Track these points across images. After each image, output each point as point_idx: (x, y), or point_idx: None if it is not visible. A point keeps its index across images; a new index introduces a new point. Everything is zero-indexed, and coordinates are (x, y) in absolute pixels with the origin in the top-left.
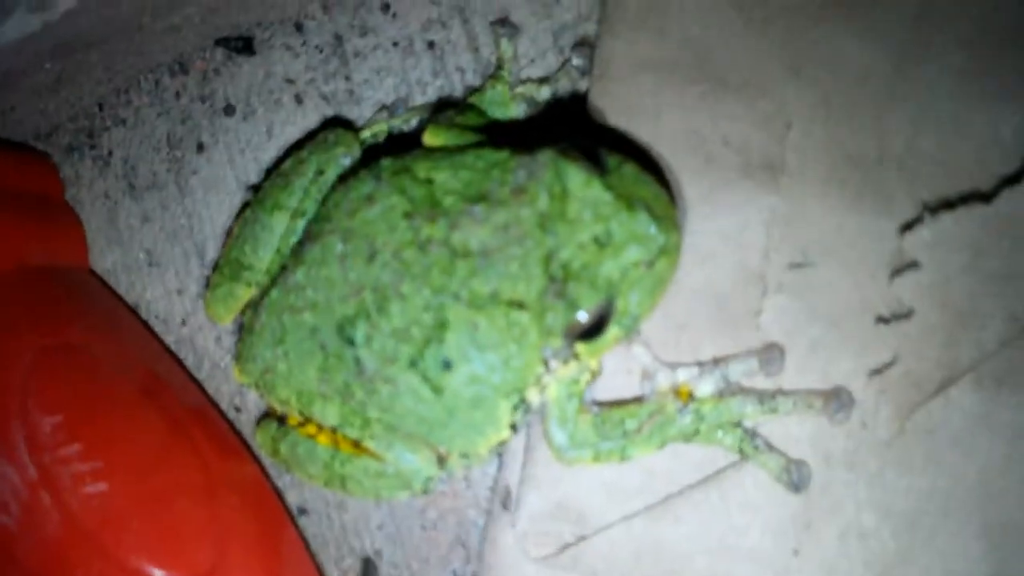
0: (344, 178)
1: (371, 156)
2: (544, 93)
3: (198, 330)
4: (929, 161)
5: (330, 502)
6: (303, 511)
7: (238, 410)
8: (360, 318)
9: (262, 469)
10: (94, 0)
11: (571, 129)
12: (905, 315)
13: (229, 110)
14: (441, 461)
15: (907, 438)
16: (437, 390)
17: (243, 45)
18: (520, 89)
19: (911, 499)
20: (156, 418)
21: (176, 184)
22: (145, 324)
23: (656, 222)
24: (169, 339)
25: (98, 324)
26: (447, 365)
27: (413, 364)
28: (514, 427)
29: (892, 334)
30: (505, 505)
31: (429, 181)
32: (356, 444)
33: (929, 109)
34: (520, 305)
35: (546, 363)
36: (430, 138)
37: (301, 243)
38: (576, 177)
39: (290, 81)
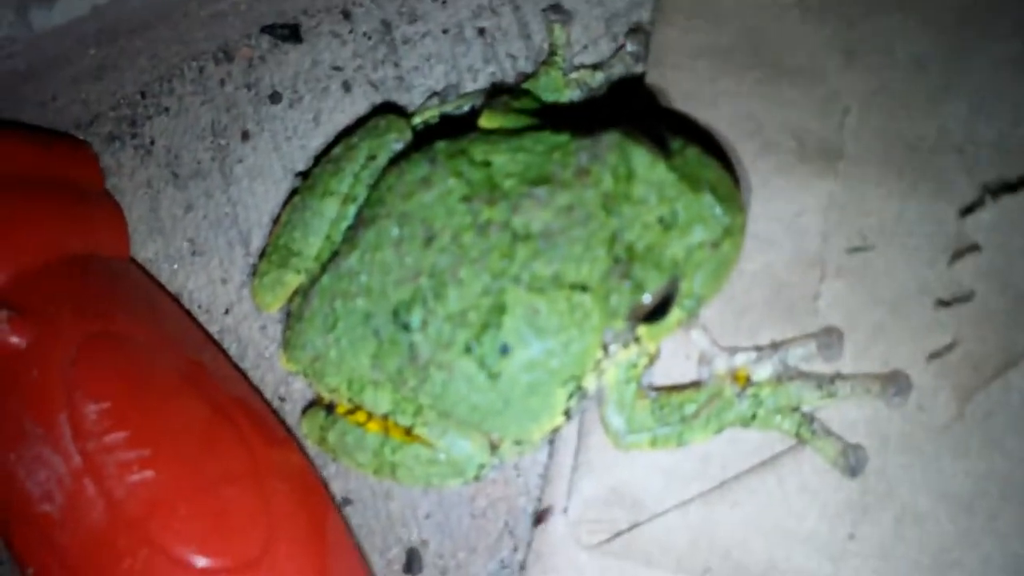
0: (395, 161)
1: (422, 142)
2: (598, 79)
3: (242, 319)
4: (988, 146)
5: (376, 491)
6: (348, 501)
7: (283, 400)
8: (416, 303)
9: (307, 459)
10: None
11: (629, 113)
12: (965, 298)
13: (275, 98)
14: (493, 448)
15: (965, 422)
16: (492, 376)
17: (289, 32)
18: (574, 75)
19: (968, 483)
20: (201, 406)
21: (220, 172)
22: (188, 313)
23: (721, 203)
24: (213, 328)
25: (141, 313)
26: (504, 350)
27: (469, 350)
28: (568, 413)
29: (952, 317)
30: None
31: (487, 164)
32: (408, 431)
33: (987, 95)
34: (583, 287)
35: (606, 347)
36: (486, 121)
37: (353, 228)
38: (641, 158)
39: (338, 68)
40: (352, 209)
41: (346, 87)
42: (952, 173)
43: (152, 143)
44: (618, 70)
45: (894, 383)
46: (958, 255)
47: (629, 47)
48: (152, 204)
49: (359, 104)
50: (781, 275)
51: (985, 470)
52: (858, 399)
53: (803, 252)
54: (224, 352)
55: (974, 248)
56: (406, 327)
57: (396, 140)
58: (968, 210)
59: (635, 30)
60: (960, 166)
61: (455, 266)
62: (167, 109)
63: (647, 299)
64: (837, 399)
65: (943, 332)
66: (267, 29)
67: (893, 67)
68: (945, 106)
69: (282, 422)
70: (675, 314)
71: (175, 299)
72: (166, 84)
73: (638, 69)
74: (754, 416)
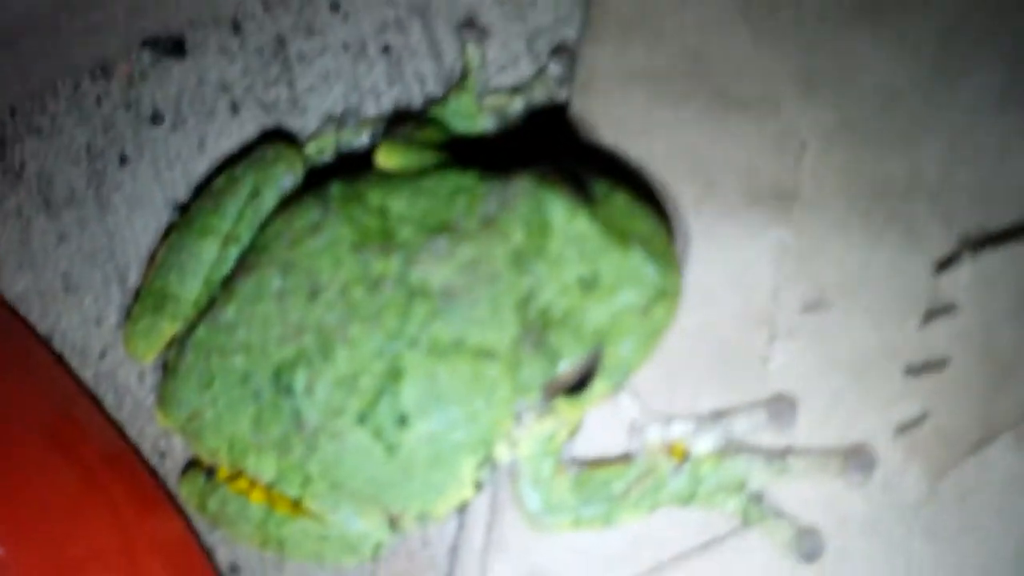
0: (287, 203)
1: (316, 175)
2: (516, 105)
3: (119, 364)
4: (967, 192)
5: (267, 560)
6: (235, 569)
7: (163, 455)
8: (300, 364)
9: (188, 523)
10: None
11: (550, 148)
12: (938, 365)
13: (156, 119)
14: (393, 523)
15: (937, 503)
16: (390, 448)
17: (173, 46)
18: (489, 100)
19: (940, 572)
20: (67, 471)
21: (96, 201)
22: (59, 358)
23: (653, 261)
24: (86, 374)
25: (4, 360)
26: (402, 421)
27: (362, 419)
28: (478, 485)
29: (922, 386)
30: None
31: (383, 210)
32: (295, 502)
33: (966, 133)
34: (489, 354)
35: (519, 418)
36: (384, 158)
37: (233, 275)
38: (559, 208)
39: (225, 87)
40: (234, 251)
41: (234, 108)
42: (926, 222)
43: (22, 167)
44: (539, 95)
45: (856, 459)
46: (931, 316)
47: (552, 69)
48: (22, 235)
49: (248, 128)
50: (725, 334)
51: (959, 559)
52: (814, 477)
53: (751, 309)
54: (98, 402)
55: (950, 309)
56: (288, 390)
57: (285, 173)
58: (944, 265)
59: (560, 49)
60: (934, 214)
61: (344, 324)
62: (39, 130)
63: (564, 372)
64: (790, 476)
65: (912, 402)
66: (149, 43)
67: (859, 99)
68: (918, 145)
69: (161, 482)
70: (598, 386)
71: (45, 342)
72: (38, 102)
73: (562, 94)
74: (693, 495)
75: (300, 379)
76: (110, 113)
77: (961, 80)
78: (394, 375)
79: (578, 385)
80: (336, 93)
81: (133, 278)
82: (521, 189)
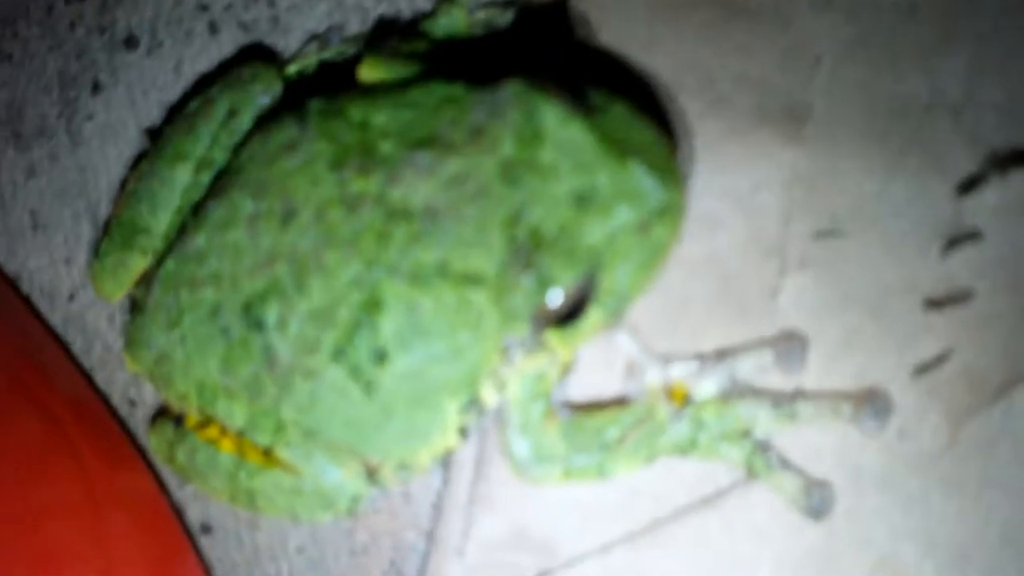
0: (263, 123)
1: (297, 95)
2: (509, 19)
3: (89, 307)
4: (993, 110)
5: (240, 519)
6: (207, 529)
7: (133, 404)
8: (272, 296)
9: (158, 478)
10: None
11: (545, 60)
12: (962, 298)
13: (131, 42)
14: (372, 475)
15: (959, 452)
16: (368, 387)
17: None
18: (480, 14)
19: (961, 528)
20: (30, 419)
21: (68, 132)
22: (26, 300)
23: (653, 175)
24: (54, 317)
25: None
26: (380, 356)
27: (338, 355)
28: (463, 432)
29: (944, 322)
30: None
31: (364, 124)
32: (266, 452)
33: (993, 46)
34: (475, 280)
35: (506, 354)
36: (367, 71)
37: (204, 200)
38: (552, 116)
39: (203, 7)
40: (208, 177)
41: (213, 29)
42: (948, 141)
43: None
44: (535, 7)
45: (870, 404)
46: (954, 244)
47: None
48: None
49: (227, 50)
50: (731, 265)
51: (982, 512)
52: (825, 423)
53: (759, 237)
54: (66, 347)
55: (974, 235)
56: (260, 325)
57: (262, 93)
58: (967, 187)
59: None
60: (958, 133)
61: (319, 250)
62: (9, 56)
63: (556, 298)
64: (798, 422)
65: (933, 340)
66: None
67: (877, 10)
68: (941, 59)
69: (130, 433)
70: (593, 316)
71: (12, 282)
72: (8, 27)
73: (558, 7)
74: (694, 443)
75: (272, 312)
76: (84, 38)
77: None
78: (372, 306)
79: (571, 314)
80: (319, 11)
81: (104, 215)
82: (512, 95)
